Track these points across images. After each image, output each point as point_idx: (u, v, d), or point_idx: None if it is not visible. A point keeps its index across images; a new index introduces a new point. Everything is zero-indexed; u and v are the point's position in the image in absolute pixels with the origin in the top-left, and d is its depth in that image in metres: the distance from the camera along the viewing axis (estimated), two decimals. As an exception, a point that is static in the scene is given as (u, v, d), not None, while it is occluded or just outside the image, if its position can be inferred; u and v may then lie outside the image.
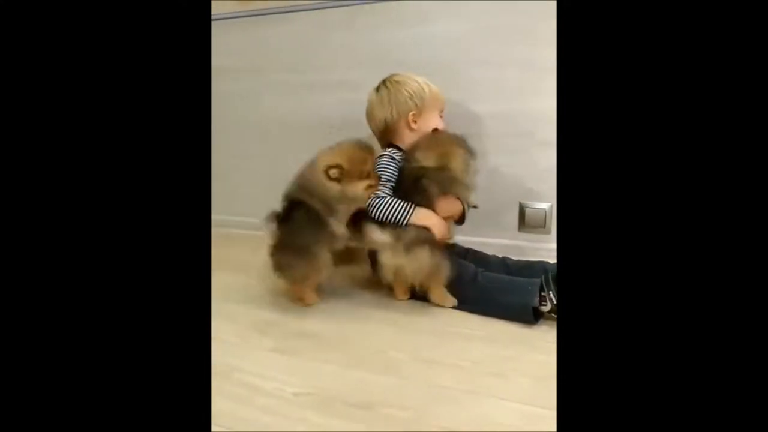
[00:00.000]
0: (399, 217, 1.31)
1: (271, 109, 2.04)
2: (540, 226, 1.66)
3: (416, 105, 1.47)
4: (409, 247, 1.26)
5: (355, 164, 1.29)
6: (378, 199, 1.34)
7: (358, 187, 1.30)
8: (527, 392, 0.91)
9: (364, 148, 1.35)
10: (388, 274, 1.31)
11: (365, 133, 1.67)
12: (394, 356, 1.06)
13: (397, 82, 1.50)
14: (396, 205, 1.33)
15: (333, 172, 1.27)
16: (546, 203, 1.65)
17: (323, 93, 1.91)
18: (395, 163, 1.44)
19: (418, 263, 1.26)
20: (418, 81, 1.49)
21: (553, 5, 1.46)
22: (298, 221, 1.30)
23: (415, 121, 1.47)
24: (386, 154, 1.47)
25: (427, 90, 1.48)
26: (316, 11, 1.87)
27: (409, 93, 1.47)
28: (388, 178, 1.41)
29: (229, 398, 0.90)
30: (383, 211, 1.33)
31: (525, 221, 1.68)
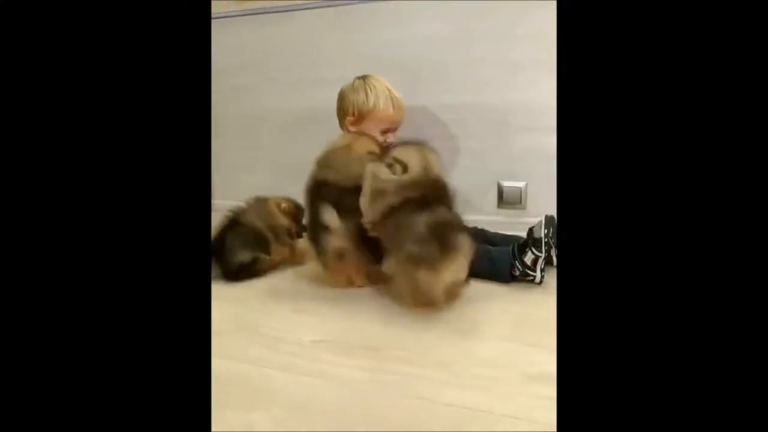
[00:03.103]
0: None
1: (269, 103, 2.08)
2: (516, 203, 1.74)
3: (354, 114, 1.50)
4: None
5: None
6: None
7: None
8: (504, 333, 1.04)
9: None
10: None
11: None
12: (396, 310, 1.16)
13: (362, 81, 1.51)
14: None
15: None
16: (521, 182, 1.73)
17: (317, 88, 1.95)
18: None
19: None
20: (369, 92, 1.48)
21: (528, 8, 1.60)
22: None
23: (353, 126, 1.51)
24: None
25: (369, 104, 1.47)
26: (311, 11, 1.91)
27: (353, 99, 1.49)
28: None
29: (258, 347, 1.01)
30: None
31: (503, 199, 1.76)
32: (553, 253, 1.37)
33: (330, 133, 1.94)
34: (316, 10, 1.92)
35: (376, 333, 1.07)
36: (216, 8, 1.99)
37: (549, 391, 0.81)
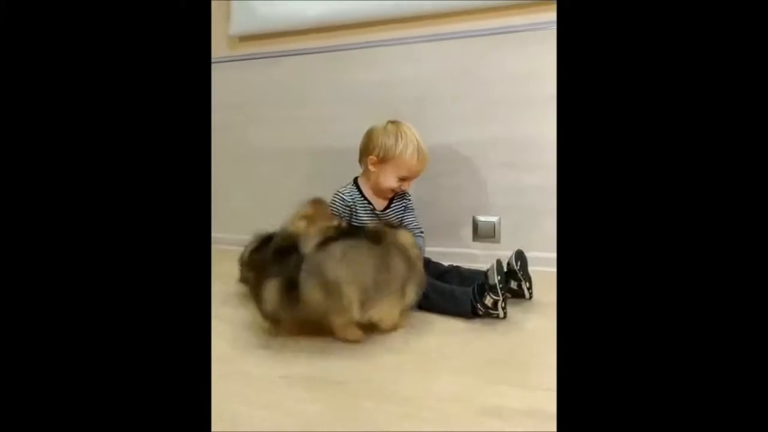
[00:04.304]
0: None
1: (258, 139, 2.14)
2: (490, 236, 1.81)
3: (378, 155, 1.50)
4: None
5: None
6: None
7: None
8: (465, 367, 1.05)
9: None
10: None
11: (337, 160, 1.83)
12: (362, 346, 1.16)
13: (395, 126, 1.51)
14: None
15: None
16: (495, 216, 1.80)
17: (302, 126, 2.04)
18: (344, 205, 1.54)
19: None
20: (399, 138, 1.48)
21: (498, 47, 1.70)
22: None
23: (374, 166, 1.52)
24: (338, 194, 1.56)
25: (396, 150, 1.48)
26: (296, 56, 2.01)
27: (383, 142, 1.49)
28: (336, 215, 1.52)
29: (229, 381, 1.00)
30: None
31: (478, 232, 1.82)
32: (525, 285, 1.40)
33: (316, 168, 2.01)
34: (300, 56, 2.02)
35: (341, 367, 1.08)
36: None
37: (507, 426, 0.83)
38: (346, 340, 1.17)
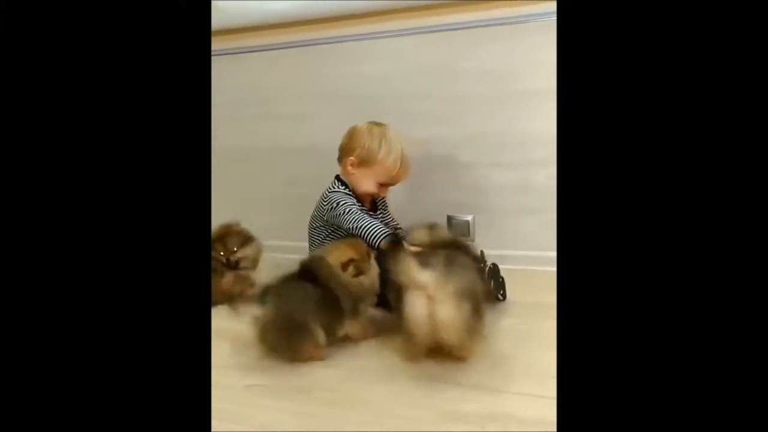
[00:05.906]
0: (374, 234, 1.26)
1: (228, 139, 2.03)
2: (465, 235, 1.82)
3: (358, 156, 1.44)
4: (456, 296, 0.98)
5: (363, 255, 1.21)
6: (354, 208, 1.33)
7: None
8: (433, 373, 1.03)
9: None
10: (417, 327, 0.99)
11: (310, 159, 1.81)
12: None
13: (380, 129, 1.45)
14: (374, 224, 1.29)
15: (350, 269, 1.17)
16: (469, 215, 1.83)
17: (273, 123, 2.00)
18: (352, 197, 1.44)
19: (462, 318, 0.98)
20: (382, 141, 1.42)
21: (468, 45, 1.72)
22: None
23: (353, 168, 1.46)
24: (338, 192, 1.45)
25: (379, 155, 1.42)
26: (265, 52, 1.96)
27: (366, 143, 1.43)
28: (354, 202, 1.41)
29: None
30: (360, 224, 1.29)
31: (452, 231, 1.81)
32: (499, 294, 1.39)
33: (288, 168, 1.97)
34: (268, 51, 1.98)
35: (306, 375, 1.07)
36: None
37: (470, 430, 0.84)
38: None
